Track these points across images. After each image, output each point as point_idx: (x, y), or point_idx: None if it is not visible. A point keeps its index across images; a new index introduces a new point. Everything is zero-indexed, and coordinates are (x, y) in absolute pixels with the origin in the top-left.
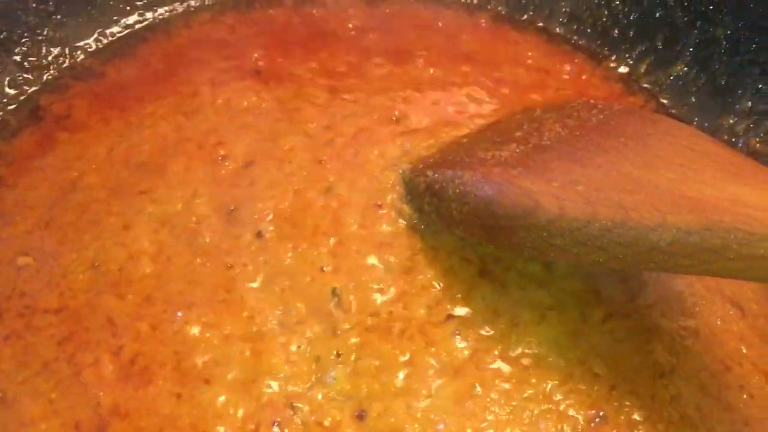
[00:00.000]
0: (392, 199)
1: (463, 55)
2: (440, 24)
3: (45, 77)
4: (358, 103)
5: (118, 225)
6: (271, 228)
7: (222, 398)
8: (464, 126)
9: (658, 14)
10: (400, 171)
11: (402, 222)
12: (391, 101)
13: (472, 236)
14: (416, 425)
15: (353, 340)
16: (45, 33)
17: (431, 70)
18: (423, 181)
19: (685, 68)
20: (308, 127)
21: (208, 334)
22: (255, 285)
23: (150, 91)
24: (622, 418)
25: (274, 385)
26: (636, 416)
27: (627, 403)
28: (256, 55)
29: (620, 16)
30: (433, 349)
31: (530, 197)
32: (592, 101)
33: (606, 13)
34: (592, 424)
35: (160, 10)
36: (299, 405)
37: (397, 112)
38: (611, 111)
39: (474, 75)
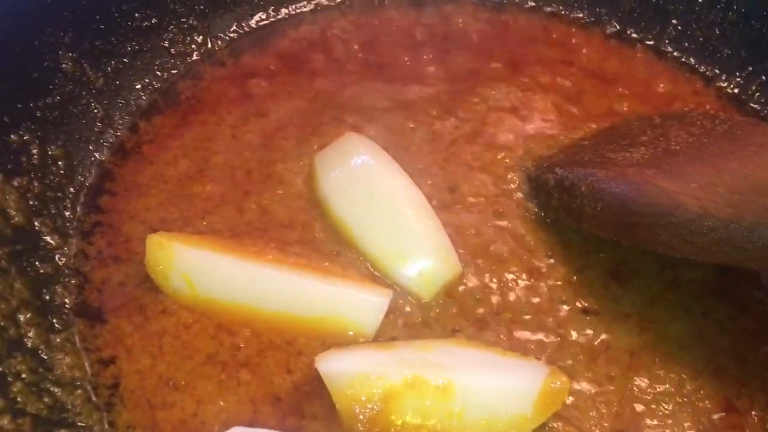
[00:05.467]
0: (519, 198)
1: (577, 67)
2: (554, 36)
3: (187, 62)
4: (479, 105)
5: (251, 203)
6: None
7: None
8: (580, 129)
9: None
10: (524, 169)
11: (531, 219)
12: (511, 103)
13: (603, 233)
14: None
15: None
16: (189, 22)
17: (547, 78)
18: (552, 178)
19: None
20: (433, 128)
21: None
22: None
23: (280, 81)
24: (754, 413)
25: None
26: None
27: (758, 398)
28: (380, 54)
29: (730, 36)
30: (566, 339)
31: (670, 196)
32: (712, 112)
33: (717, 32)
34: (724, 418)
35: (291, 7)
36: None
37: (518, 114)
38: (734, 121)
39: (588, 85)
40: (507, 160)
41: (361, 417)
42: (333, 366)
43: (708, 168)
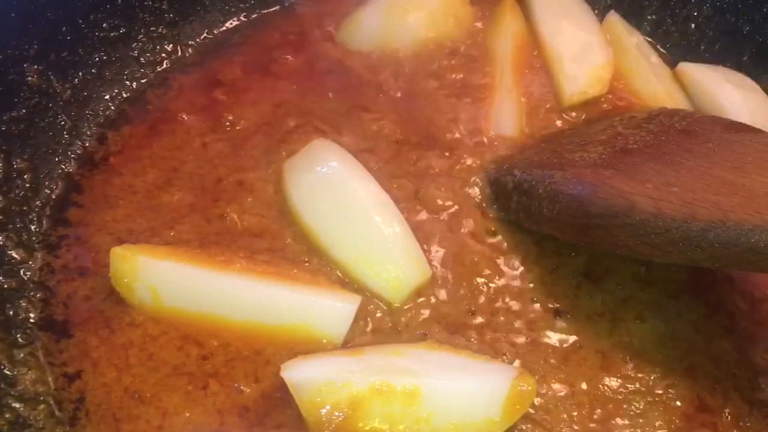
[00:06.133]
0: (483, 201)
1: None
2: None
3: (156, 72)
4: (443, 109)
5: (220, 212)
6: None
7: None
8: (543, 129)
9: (745, 31)
10: (486, 171)
11: (503, 221)
12: (474, 106)
13: (562, 235)
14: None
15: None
16: (159, 30)
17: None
18: (511, 181)
19: None
20: (399, 132)
21: None
22: None
23: (247, 88)
24: (727, 411)
25: None
26: (741, 410)
27: (731, 395)
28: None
29: (705, 30)
30: (538, 340)
31: (625, 197)
32: (672, 108)
33: (692, 27)
34: (696, 416)
35: (263, 11)
36: None
37: (481, 116)
38: (693, 118)
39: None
40: (470, 162)
41: (328, 424)
42: (299, 374)
43: (664, 167)
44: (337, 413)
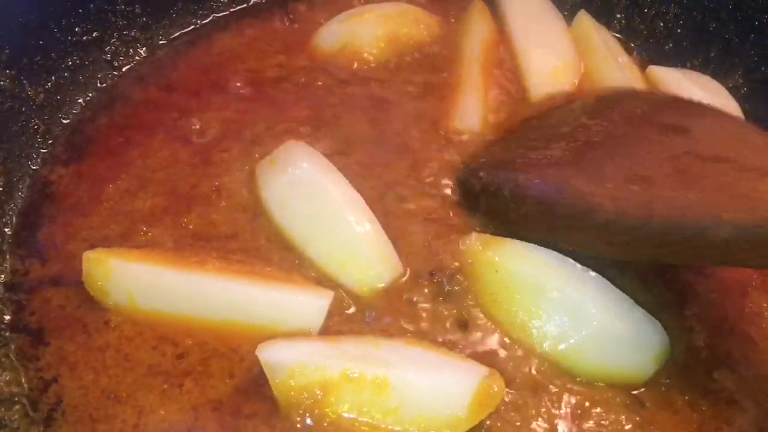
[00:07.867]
0: (452, 200)
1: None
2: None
3: (129, 76)
4: (412, 109)
5: (194, 216)
6: None
7: None
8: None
9: (711, 27)
10: (455, 171)
11: (472, 220)
12: (446, 104)
13: (530, 235)
14: None
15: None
16: (132, 34)
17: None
18: (477, 183)
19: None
20: (372, 131)
21: None
22: None
23: (218, 92)
24: (686, 397)
25: None
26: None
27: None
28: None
29: (673, 28)
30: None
31: (587, 200)
32: (634, 90)
33: (660, 25)
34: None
35: (233, 8)
36: None
37: (455, 113)
38: (654, 101)
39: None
40: (439, 161)
41: (298, 406)
42: (273, 355)
43: (624, 160)
44: (305, 395)
